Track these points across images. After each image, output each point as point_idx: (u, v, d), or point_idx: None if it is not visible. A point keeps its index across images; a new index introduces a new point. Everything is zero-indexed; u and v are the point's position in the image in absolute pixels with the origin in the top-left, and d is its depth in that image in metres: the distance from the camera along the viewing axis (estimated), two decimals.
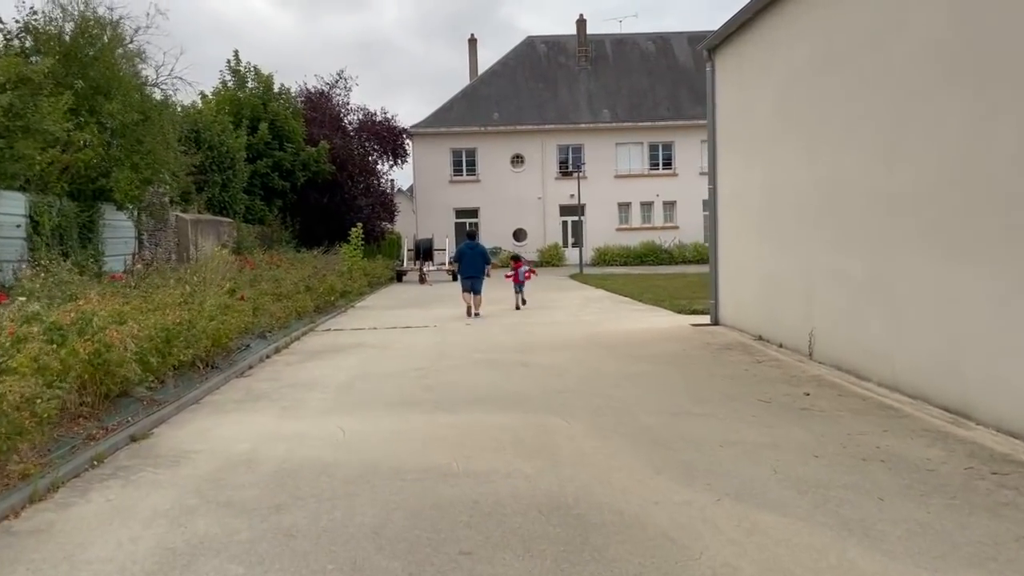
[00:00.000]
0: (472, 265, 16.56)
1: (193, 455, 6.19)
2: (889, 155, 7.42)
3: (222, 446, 6.44)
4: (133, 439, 6.68)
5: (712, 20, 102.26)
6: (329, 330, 14.50)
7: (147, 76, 17.54)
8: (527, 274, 18.17)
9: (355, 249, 24.99)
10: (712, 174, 12.77)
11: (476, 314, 16.12)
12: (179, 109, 23.84)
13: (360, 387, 8.80)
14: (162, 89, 17.81)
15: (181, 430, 7.07)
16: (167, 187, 18.15)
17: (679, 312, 15.43)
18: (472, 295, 16.26)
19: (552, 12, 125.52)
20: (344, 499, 4.97)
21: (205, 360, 9.71)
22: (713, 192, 12.77)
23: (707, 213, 44.43)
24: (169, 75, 17.47)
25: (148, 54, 17.65)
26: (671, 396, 7.68)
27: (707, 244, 42.06)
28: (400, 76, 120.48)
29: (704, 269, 34.84)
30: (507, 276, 18.62)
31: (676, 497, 4.76)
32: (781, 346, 10.23)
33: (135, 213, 16.36)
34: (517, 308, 17.43)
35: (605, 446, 5.96)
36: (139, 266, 13.95)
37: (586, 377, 8.91)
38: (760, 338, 11.01)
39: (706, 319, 13.59)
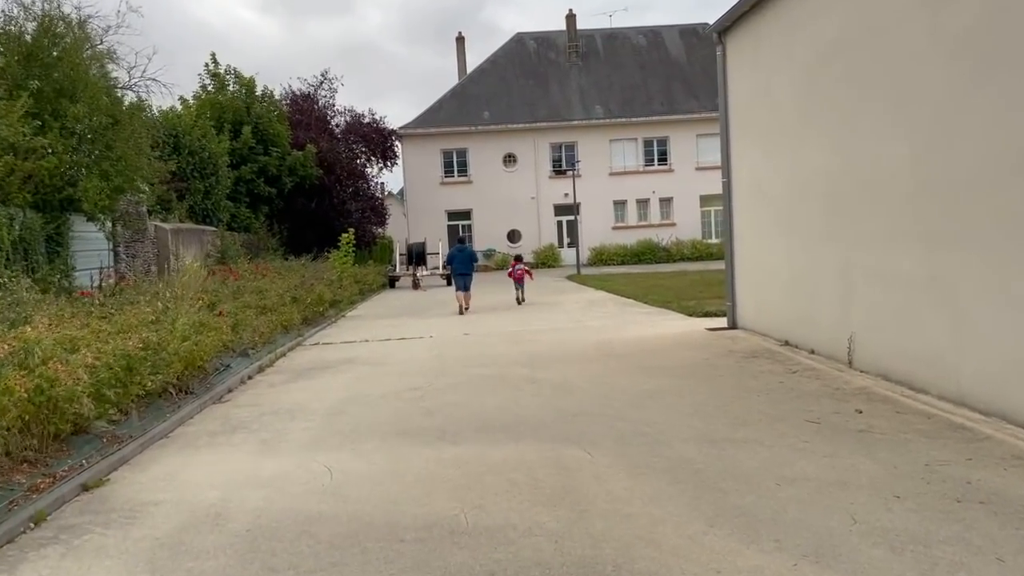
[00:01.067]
0: (463, 264, 18.39)
1: (152, 508, 5.24)
2: (949, 136, 6.51)
3: (188, 494, 5.49)
4: (85, 488, 5.72)
5: (697, 15, 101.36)
6: (318, 344, 13.53)
7: (117, 78, 16.59)
8: (520, 272, 19.32)
9: (345, 255, 24.01)
10: (725, 165, 11.86)
11: (466, 308, 17.65)
12: (154, 112, 22.85)
13: (351, 413, 7.85)
14: (135, 91, 16.89)
15: (143, 473, 6.11)
16: (142, 195, 17.16)
17: (690, 315, 14.52)
18: (463, 293, 17.88)
19: (535, 12, 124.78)
20: (329, 571, 4.03)
21: (178, 385, 8.75)
22: (727, 185, 11.85)
23: (706, 209, 43.44)
24: (141, 77, 16.48)
25: (120, 55, 16.71)
26: (704, 418, 6.75)
27: (705, 241, 41.60)
28: (386, 80, 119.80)
29: (705, 267, 34.17)
30: (508, 274, 20.14)
31: (741, 561, 3.83)
32: (813, 352, 9.33)
33: (108, 224, 15.34)
34: (518, 303, 18.95)
35: (640, 487, 5.02)
36: (110, 280, 12.94)
37: (603, 395, 7.97)
38: (787, 343, 10.10)
39: (722, 322, 12.69)
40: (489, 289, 25.59)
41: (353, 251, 24.83)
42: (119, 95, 15.98)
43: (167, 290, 10.68)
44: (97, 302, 11.05)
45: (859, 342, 8.14)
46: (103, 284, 12.56)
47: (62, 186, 13.11)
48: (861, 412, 6.54)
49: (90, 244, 15.88)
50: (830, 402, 7.02)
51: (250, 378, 10.30)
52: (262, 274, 19.06)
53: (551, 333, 13.21)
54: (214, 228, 22.62)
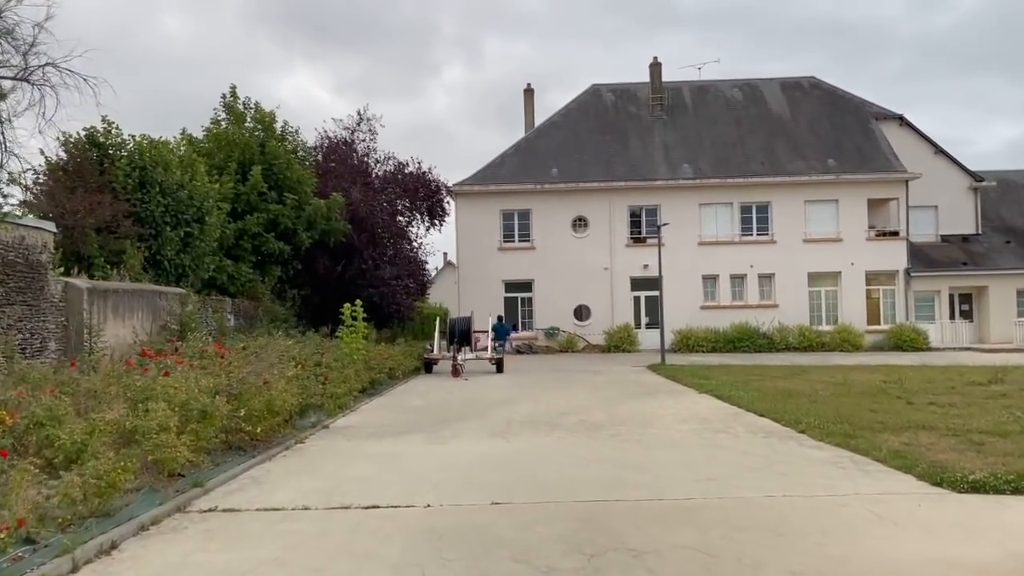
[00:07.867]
0: (501, 336, 26.35)
1: None
2: None
3: None
4: None
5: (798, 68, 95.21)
6: (213, 511, 7.08)
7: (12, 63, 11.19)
8: None
9: (353, 333, 17.80)
10: None
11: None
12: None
13: None
14: (32, 83, 11.44)
15: None
16: (44, 232, 11.46)
17: (938, 483, 7.46)
18: None
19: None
20: None
21: None
22: None
23: (815, 289, 35.39)
24: (33, 59, 10.93)
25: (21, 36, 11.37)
26: None
27: (815, 327, 33.37)
28: (452, 160, 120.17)
29: (823, 360, 26.55)
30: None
31: None
32: None
33: None
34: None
35: None
36: None
37: None
38: None
39: None
40: (548, 382, 18.44)
41: (364, 326, 18.58)
42: None
43: None
44: None
45: None
46: None
47: None
48: None
49: None
50: None
51: None
52: (221, 356, 12.95)
53: (670, 521, 6.45)
54: (180, 290, 16.76)
